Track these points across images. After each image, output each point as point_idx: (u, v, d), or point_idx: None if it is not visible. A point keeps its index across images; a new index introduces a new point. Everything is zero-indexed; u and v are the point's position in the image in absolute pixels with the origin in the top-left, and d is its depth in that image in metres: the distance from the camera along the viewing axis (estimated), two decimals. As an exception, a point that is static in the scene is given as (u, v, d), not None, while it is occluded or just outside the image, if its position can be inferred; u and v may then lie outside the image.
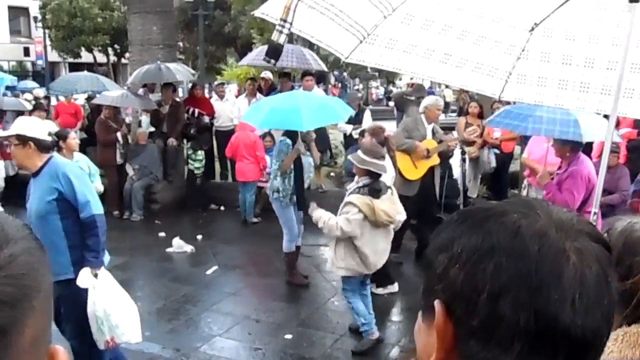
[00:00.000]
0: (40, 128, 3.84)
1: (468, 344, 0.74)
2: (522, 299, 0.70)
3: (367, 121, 9.71)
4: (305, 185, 7.03)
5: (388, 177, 5.64)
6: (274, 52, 2.59)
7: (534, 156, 7.07)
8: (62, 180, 3.77)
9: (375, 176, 4.96)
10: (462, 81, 2.80)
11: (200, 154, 10.08)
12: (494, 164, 9.32)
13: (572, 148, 5.23)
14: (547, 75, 2.72)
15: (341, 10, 2.24)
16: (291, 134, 6.62)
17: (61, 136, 6.09)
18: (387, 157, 5.71)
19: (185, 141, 10.44)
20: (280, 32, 2.11)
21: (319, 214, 5.04)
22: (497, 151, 9.45)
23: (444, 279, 0.76)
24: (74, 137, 6.33)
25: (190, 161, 10.10)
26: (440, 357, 0.76)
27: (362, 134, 8.88)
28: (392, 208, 5.03)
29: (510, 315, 0.70)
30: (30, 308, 0.64)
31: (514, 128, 6.42)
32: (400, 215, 5.17)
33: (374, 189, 4.94)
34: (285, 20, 2.04)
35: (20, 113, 12.78)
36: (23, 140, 3.75)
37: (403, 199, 5.65)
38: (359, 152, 5.04)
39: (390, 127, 8.22)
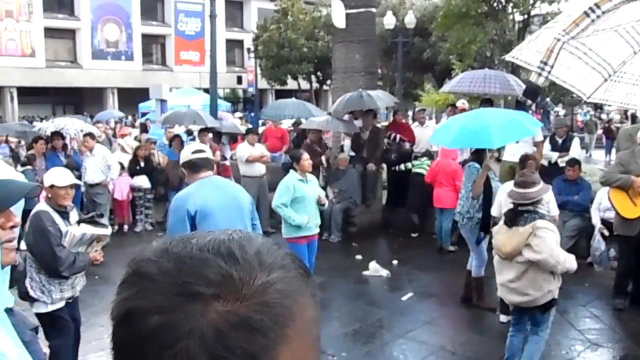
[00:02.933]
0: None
1: None
2: None
3: (575, 150, 9.12)
4: None
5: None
6: (533, 93, 2.55)
7: None
8: None
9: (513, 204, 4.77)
10: None
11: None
12: None
13: None
14: None
15: (590, 49, 2.13)
16: (479, 158, 6.48)
17: (295, 158, 6.53)
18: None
19: (384, 166, 10.62)
20: (540, 74, 2.07)
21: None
22: None
23: None
24: (307, 159, 6.56)
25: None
26: None
27: (570, 163, 8.36)
28: (510, 242, 4.63)
29: None
30: (283, 337, 0.63)
31: None
32: (531, 254, 4.62)
33: (508, 216, 4.78)
34: (545, 63, 1.99)
35: (234, 136, 14.00)
36: None
37: (623, 239, 5.17)
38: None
39: (598, 156, 7.64)
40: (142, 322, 0.63)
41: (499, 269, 4.82)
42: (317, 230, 6.71)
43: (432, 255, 9.08)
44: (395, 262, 8.56)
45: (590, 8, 1.63)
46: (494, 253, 4.88)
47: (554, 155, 9.20)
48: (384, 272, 8.00)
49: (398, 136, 10.41)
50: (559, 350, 5.66)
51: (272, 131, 14.34)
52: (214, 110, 14.51)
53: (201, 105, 21.66)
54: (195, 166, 4.32)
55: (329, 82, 30.22)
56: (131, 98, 33.24)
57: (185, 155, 4.43)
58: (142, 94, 26.58)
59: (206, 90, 24.17)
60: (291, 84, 33.20)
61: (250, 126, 16.17)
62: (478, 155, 6.64)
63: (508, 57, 2.63)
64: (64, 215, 4.49)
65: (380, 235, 10.26)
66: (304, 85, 33.64)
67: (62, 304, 4.54)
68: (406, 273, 8.18)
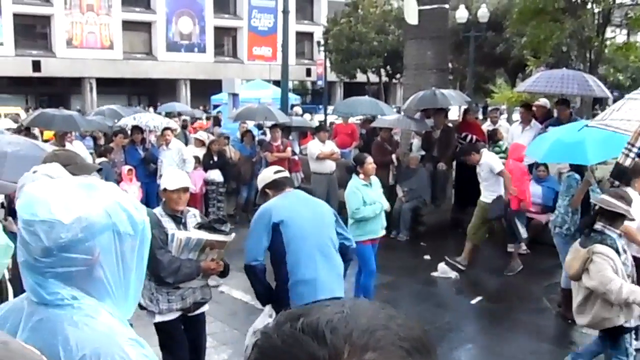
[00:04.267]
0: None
1: None
2: None
3: None
4: None
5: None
6: (620, 174, 2.53)
7: None
8: None
9: None
10: None
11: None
12: None
13: None
14: None
15: None
16: (578, 167, 6.31)
17: (359, 161, 6.56)
18: None
19: (454, 165, 10.52)
20: (627, 155, 2.10)
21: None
22: None
23: None
24: (371, 162, 6.54)
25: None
26: None
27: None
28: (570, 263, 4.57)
29: None
30: None
31: None
32: None
33: None
34: (633, 145, 2.01)
35: (303, 132, 14.15)
36: None
37: None
38: None
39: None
40: None
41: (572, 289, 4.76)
42: (383, 232, 6.77)
43: (502, 257, 8.92)
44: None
45: None
46: None
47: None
48: (453, 274, 7.96)
49: (473, 137, 10.27)
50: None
51: (342, 127, 14.42)
52: (284, 104, 14.71)
53: (271, 98, 21.99)
54: (280, 184, 4.39)
55: (398, 76, 30.05)
56: (203, 89, 34.06)
57: (268, 176, 4.47)
58: (213, 85, 27.21)
59: (276, 83, 24.55)
60: (360, 77, 33.16)
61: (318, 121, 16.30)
62: (578, 166, 6.43)
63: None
64: (178, 219, 4.17)
65: (449, 235, 10.17)
66: (373, 78, 33.54)
67: (172, 316, 4.17)
68: (475, 275, 8.11)
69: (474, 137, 10.32)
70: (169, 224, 4.09)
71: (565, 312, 6.44)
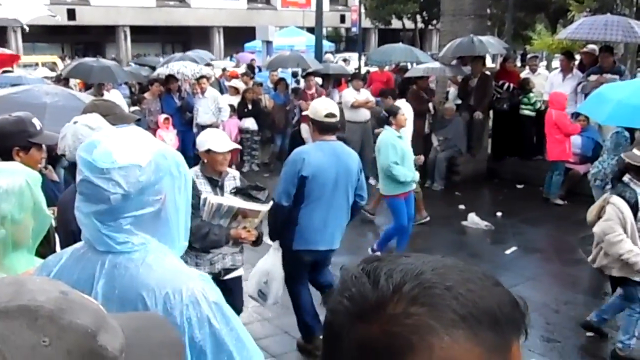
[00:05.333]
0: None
1: None
2: None
3: None
4: None
5: None
6: None
7: None
8: None
9: None
10: None
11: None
12: None
13: None
14: None
15: None
16: (631, 131, 6.14)
17: (392, 112, 6.47)
18: None
19: (491, 114, 10.36)
20: None
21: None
22: None
23: None
24: (403, 114, 6.45)
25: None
26: None
27: None
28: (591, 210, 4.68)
29: None
30: None
31: None
32: None
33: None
34: None
35: (338, 79, 13.99)
36: None
37: None
38: None
39: None
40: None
41: None
42: (415, 185, 6.75)
43: (538, 208, 8.85)
44: (499, 213, 8.44)
45: None
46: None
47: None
48: (483, 224, 7.90)
49: (511, 85, 10.05)
50: None
51: (377, 75, 14.22)
52: (319, 52, 14.56)
53: (305, 45, 21.78)
54: (323, 128, 4.43)
55: (434, 22, 29.35)
56: (236, 37, 33.83)
57: (317, 114, 4.43)
58: (246, 33, 26.99)
59: (309, 30, 24.23)
60: (395, 24, 32.48)
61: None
62: (628, 128, 6.32)
63: None
64: (215, 182, 3.99)
65: (484, 185, 10.11)
66: (409, 25, 32.84)
67: None
68: (511, 226, 8.07)
69: (512, 85, 10.12)
70: (204, 187, 3.94)
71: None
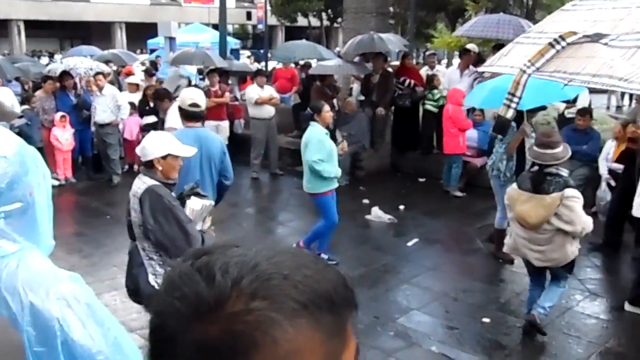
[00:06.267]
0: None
1: None
2: None
3: (584, 101, 9.02)
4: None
5: None
6: (501, 127, 2.54)
7: None
8: None
9: (538, 166, 4.76)
10: None
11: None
12: None
13: None
14: None
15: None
16: (517, 117, 6.37)
17: (316, 109, 6.38)
18: None
19: (392, 110, 10.58)
20: (509, 106, 2.09)
21: None
22: None
23: None
24: (328, 110, 6.41)
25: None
26: None
27: (581, 112, 8.31)
28: (534, 211, 4.64)
29: None
30: None
31: None
32: (559, 223, 4.62)
33: (534, 180, 4.74)
34: (514, 95, 2.01)
35: (243, 77, 13.89)
36: None
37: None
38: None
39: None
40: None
41: (521, 234, 4.86)
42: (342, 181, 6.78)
43: (439, 200, 9.15)
44: (402, 207, 8.64)
45: (555, 40, 1.63)
46: (513, 219, 4.93)
47: (562, 107, 9.14)
48: (386, 218, 8.07)
49: (412, 81, 10.30)
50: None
51: (281, 72, 14.21)
52: (223, 49, 14.34)
53: (210, 42, 21.42)
54: (188, 116, 5.01)
55: (340, 20, 29.69)
56: (139, 33, 32.89)
57: (183, 102, 5.01)
58: (150, 29, 26.28)
59: (215, 26, 23.87)
60: (301, 22, 32.64)
61: (259, 66, 16.01)
62: (515, 119, 6.50)
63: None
64: (171, 189, 3.82)
65: (387, 179, 10.32)
66: (315, 22, 33.09)
67: None
68: (412, 218, 8.27)
69: (412, 81, 10.38)
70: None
71: (497, 251, 6.70)
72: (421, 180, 10.13)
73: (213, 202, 4.16)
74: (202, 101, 5.11)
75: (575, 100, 8.90)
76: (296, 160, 11.33)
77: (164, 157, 3.69)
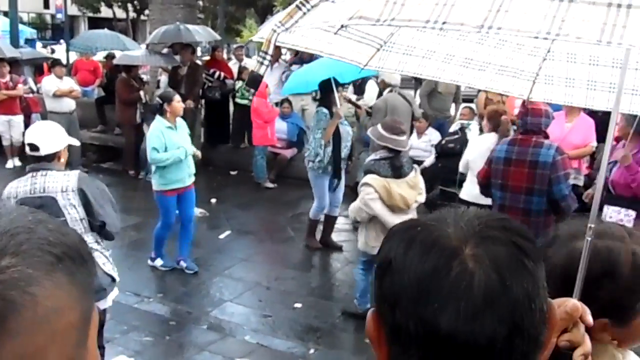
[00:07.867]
0: None
1: (392, 350, 0.78)
2: (408, 309, 0.74)
3: (370, 93, 9.40)
4: (344, 154, 6.58)
5: None
6: (254, 82, 2.61)
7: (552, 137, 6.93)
8: None
9: (394, 152, 4.89)
10: (487, 83, 2.83)
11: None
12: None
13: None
14: (575, 76, 2.73)
15: (346, 26, 2.25)
16: (326, 103, 6.51)
17: (166, 99, 5.86)
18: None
19: (203, 103, 10.43)
20: (261, 63, 2.14)
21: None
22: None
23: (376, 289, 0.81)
24: (179, 100, 5.94)
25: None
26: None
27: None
28: (410, 193, 4.85)
29: (404, 324, 0.74)
30: (3, 329, 0.59)
31: None
32: (420, 197, 4.97)
33: (395, 165, 4.87)
34: (266, 53, 2.07)
35: (38, 66, 12.81)
36: None
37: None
38: (379, 127, 4.97)
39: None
40: None
41: (390, 222, 4.63)
42: (192, 180, 6.21)
43: (250, 192, 9.19)
44: (213, 200, 8.56)
45: (302, 2, 1.78)
46: (381, 209, 4.79)
47: (353, 98, 9.64)
48: (198, 211, 7.91)
49: (222, 74, 10.22)
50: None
51: (83, 64, 13.36)
52: (15, 37, 13.13)
53: (1, 31, 19.56)
54: None
55: (147, 11, 28.68)
56: None
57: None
58: None
59: (6, 14, 21.79)
60: (106, 12, 30.98)
61: (55, 55, 14.91)
62: (324, 100, 6.57)
63: (255, 39, 2.87)
64: None
65: (199, 173, 9.91)
66: (120, 14, 31.58)
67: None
68: (225, 211, 8.23)
69: (222, 74, 10.32)
70: None
71: (308, 239, 6.89)
72: (233, 173, 10.11)
73: None
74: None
75: (363, 92, 9.34)
76: (101, 157, 10.78)
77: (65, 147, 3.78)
